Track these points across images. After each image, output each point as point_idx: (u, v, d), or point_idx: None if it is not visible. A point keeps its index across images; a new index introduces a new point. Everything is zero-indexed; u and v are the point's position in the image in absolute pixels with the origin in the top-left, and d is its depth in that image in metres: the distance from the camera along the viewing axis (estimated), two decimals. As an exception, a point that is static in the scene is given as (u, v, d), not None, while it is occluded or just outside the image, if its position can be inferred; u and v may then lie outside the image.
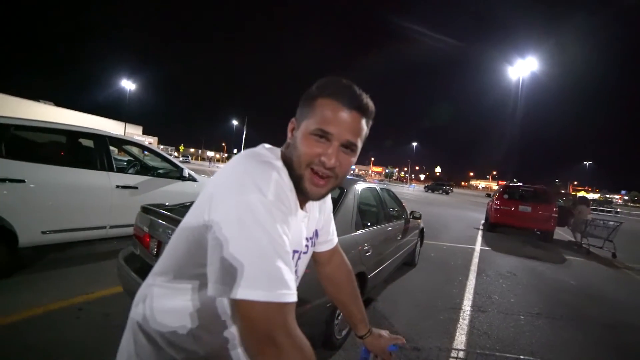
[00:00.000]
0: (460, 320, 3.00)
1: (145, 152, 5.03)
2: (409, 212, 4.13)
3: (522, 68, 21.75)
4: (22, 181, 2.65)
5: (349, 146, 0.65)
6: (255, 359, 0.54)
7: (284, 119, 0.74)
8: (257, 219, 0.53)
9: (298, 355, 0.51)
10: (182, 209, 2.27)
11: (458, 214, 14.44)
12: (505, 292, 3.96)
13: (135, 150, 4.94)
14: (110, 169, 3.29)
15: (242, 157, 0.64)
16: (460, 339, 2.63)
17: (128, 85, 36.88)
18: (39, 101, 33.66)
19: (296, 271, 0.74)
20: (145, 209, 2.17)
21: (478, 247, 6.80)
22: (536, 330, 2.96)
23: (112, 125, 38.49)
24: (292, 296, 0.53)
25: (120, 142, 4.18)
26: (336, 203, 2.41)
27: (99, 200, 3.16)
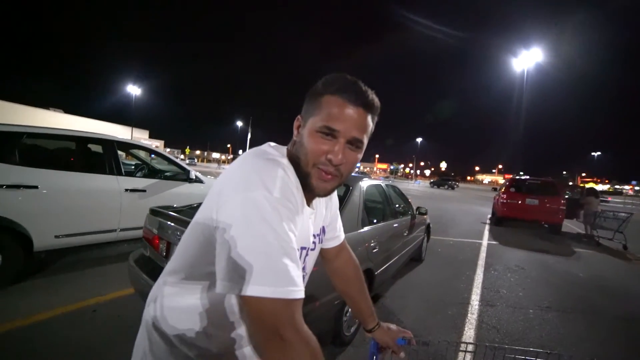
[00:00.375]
0: (469, 314, 3.00)
1: (152, 155, 5.10)
2: (415, 208, 4.13)
3: (527, 59, 21.43)
4: (36, 187, 2.72)
5: (355, 143, 0.65)
6: (264, 354, 0.55)
7: (290, 116, 0.75)
8: (264, 216, 0.54)
9: (305, 350, 0.52)
10: (190, 210, 2.31)
11: (464, 208, 14.32)
12: (514, 286, 3.93)
13: (142, 154, 5.03)
14: (119, 173, 3.35)
15: (248, 155, 0.65)
16: (469, 334, 2.63)
17: (134, 90, 37.43)
18: (49, 109, 34.41)
19: (304, 268, 0.75)
20: (154, 211, 2.21)
21: (485, 241, 6.76)
22: (546, 323, 2.94)
23: (120, 130, 39.13)
24: (299, 292, 0.53)
25: (127, 146, 4.25)
26: (342, 200, 2.42)
27: (108, 203, 3.22)
